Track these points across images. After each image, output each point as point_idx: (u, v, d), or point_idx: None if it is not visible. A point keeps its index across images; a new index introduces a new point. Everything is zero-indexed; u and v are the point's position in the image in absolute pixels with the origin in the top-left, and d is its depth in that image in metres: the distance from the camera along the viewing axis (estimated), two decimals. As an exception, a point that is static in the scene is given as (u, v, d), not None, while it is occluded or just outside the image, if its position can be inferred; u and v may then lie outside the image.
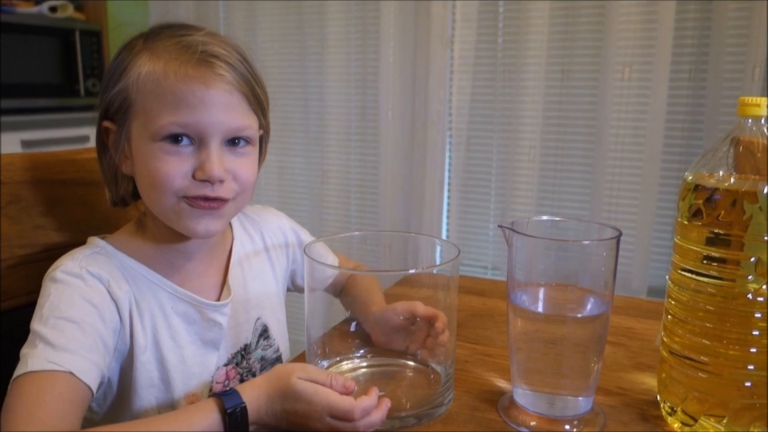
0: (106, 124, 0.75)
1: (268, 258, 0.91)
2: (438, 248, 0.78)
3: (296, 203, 2.32)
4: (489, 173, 2.02)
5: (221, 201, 0.73)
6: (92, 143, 0.80)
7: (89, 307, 0.69)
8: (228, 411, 0.61)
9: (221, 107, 0.71)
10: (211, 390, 0.80)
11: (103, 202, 0.81)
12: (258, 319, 0.86)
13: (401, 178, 2.11)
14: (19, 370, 0.63)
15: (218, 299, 0.82)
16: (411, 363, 0.76)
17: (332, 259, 0.94)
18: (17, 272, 0.84)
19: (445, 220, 2.11)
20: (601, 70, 1.78)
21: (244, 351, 0.85)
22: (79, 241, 0.78)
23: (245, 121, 0.74)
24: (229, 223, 0.87)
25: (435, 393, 0.71)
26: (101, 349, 0.68)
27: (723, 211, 0.60)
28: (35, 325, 0.67)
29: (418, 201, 2.08)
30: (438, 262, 0.78)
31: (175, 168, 0.70)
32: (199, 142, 0.71)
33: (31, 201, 0.86)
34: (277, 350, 0.89)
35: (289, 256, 0.94)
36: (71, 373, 0.63)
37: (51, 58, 2.36)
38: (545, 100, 1.88)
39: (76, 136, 2.34)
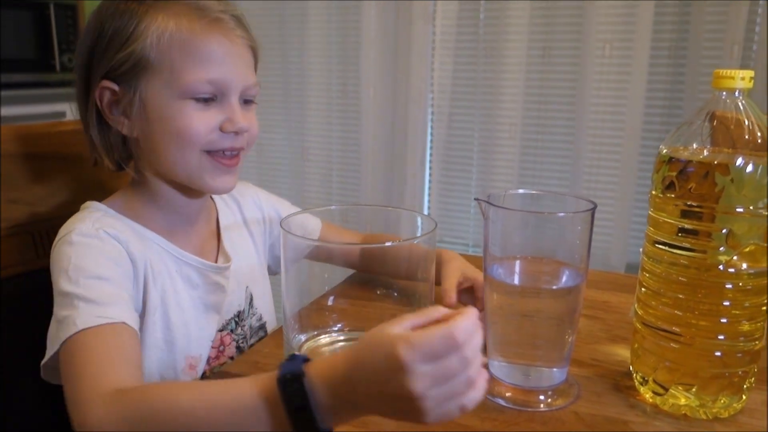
0: (106, 84, 0.74)
1: (248, 231, 0.92)
2: (416, 222, 0.78)
3: (277, 180, 2.31)
4: (471, 150, 2.01)
5: (238, 157, 0.78)
6: (69, 119, 0.79)
7: (113, 265, 0.71)
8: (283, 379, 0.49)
9: (241, 63, 0.76)
10: (209, 358, 0.82)
11: (81, 175, 0.81)
12: (247, 287, 0.88)
13: (383, 155, 2.10)
14: (68, 331, 0.62)
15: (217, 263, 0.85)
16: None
17: (314, 223, 0.96)
18: (-10, 247, 0.83)
19: (426, 197, 2.11)
20: (582, 47, 1.77)
21: (238, 318, 0.87)
22: (56, 216, 0.77)
23: (255, 79, 0.79)
24: None
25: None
26: (132, 303, 0.71)
27: (695, 184, 0.61)
28: (66, 286, 0.66)
29: (399, 178, 2.08)
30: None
31: (204, 123, 0.74)
32: (221, 97, 0.75)
33: (6, 175, 0.84)
34: (260, 318, 0.90)
35: (267, 230, 0.95)
36: (125, 323, 0.65)
37: (25, 33, 2.30)
38: (526, 77, 1.88)
39: (52, 112, 2.29)
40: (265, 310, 0.91)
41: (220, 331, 0.84)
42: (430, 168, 2.08)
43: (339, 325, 0.77)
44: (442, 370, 0.46)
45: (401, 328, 0.48)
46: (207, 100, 0.74)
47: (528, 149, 1.92)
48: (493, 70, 1.91)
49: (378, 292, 0.79)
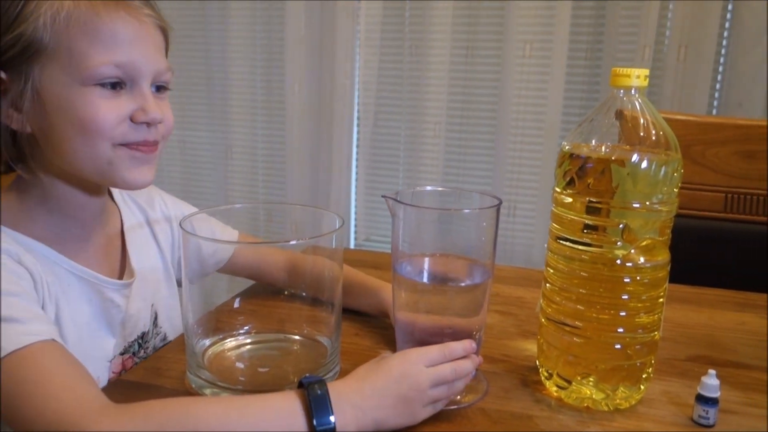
0: None
1: (154, 240, 0.84)
2: (324, 220, 0.76)
3: (200, 179, 2.24)
4: (397, 148, 2.02)
5: (156, 145, 0.71)
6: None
7: (16, 278, 0.63)
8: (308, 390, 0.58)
9: (151, 46, 0.69)
10: (109, 381, 0.74)
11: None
12: (152, 305, 0.81)
13: (308, 153, 2.08)
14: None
15: (120, 278, 0.76)
16: (297, 337, 0.75)
17: (230, 234, 0.88)
18: None
19: (353, 195, 2.10)
20: (504, 47, 1.80)
21: (142, 339, 0.79)
22: None
23: (167, 63, 0.72)
24: (109, 194, 0.81)
25: (321, 366, 0.70)
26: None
27: (593, 180, 0.62)
28: None
29: (325, 176, 2.06)
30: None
31: (113, 112, 0.66)
32: (131, 83, 0.68)
33: None
34: (165, 338, 0.83)
35: (175, 241, 0.87)
36: (53, 339, 0.59)
37: None
38: (450, 75, 1.89)
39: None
40: (170, 328, 0.84)
41: (122, 354, 0.76)
42: (357, 166, 2.07)
43: (246, 328, 0.75)
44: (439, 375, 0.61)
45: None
46: (114, 86, 0.66)
47: (452, 147, 1.94)
48: (418, 68, 1.91)
49: (286, 293, 0.77)
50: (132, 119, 0.67)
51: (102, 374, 0.74)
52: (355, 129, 2.04)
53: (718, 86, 1.71)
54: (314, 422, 0.55)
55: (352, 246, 2.13)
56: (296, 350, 0.74)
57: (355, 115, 2.03)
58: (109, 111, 0.66)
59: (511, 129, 1.84)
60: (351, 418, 0.57)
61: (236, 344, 0.73)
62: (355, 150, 2.06)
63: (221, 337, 0.72)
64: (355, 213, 2.11)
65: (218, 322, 0.73)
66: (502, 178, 1.87)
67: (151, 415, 0.54)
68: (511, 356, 0.77)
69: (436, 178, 1.95)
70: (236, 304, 0.76)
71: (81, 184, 0.71)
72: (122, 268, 0.78)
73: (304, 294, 0.74)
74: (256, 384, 0.69)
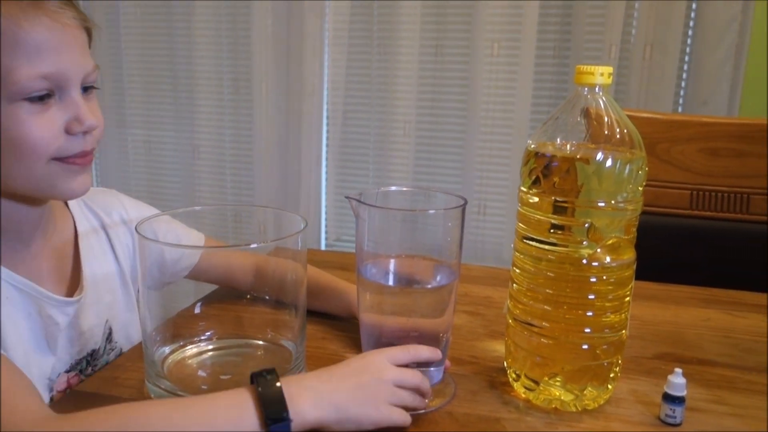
0: None
1: (107, 239, 0.80)
2: (290, 221, 0.74)
3: (166, 180, 2.20)
4: (367, 147, 2.00)
5: (91, 154, 0.67)
6: None
7: None
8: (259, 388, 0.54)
9: (77, 50, 0.65)
10: (52, 399, 0.70)
11: None
12: (107, 321, 0.77)
13: (277, 153, 2.05)
14: None
15: (70, 295, 0.72)
16: (260, 342, 0.73)
17: (195, 238, 0.85)
18: None
19: (323, 195, 2.08)
20: (472, 45, 1.80)
21: (91, 357, 0.75)
22: None
23: (93, 63, 0.68)
24: (65, 203, 0.78)
25: (285, 371, 0.68)
26: None
27: (558, 179, 0.61)
28: None
29: (294, 176, 2.03)
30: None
31: (46, 128, 0.62)
32: (60, 93, 0.64)
33: None
34: (120, 353, 0.79)
35: (134, 246, 0.82)
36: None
37: None
38: (419, 74, 1.88)
39: None
40: (128, 344, 0.80)
41: (68, 372, 0.73)
42: (327, 165, 2.05)
43: (208, 334, 0.72)
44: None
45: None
46: (43, 98, 0.62)
47: (422, 146, 1.94)
48: (386, 67, 1.90)
49: (249, 297, 0.75)
50: (67, 131, 0.64)
51: (44, 392, 0.70)
52: (324, 128, 2.02)
53: (683, 84, 1.73)
54: (264, 412, 0.52)
55: (323, 247, 2.11)
56: (260, 356, 0.72)
57: (324, 114, 2.01)
58: (42, 128, 0.62)
59: (480, 128, 1.84)
60: (307, 400, 0.54)
61: (197, 351, 0.71)
62: (324, 149, 2.04)
63: (181, 344, 0.70)
64: (326, 213, 2.09)
65: (178, 329, 0.71)
66: (471, 177, 1.87)
67: (92, 422, 0.51)
68: (479, 357, 0.76)
69: (407, 177, 1.94)
70: (197, 310, 0.73)
71: (17, 197, 0.68)
72: (74, 280, 0.74)
73: (267, 297, 0.72)
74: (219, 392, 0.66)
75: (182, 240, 0.82)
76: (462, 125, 1.88)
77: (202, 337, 0.72)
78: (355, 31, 1.93)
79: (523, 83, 1.78)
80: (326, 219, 2.09)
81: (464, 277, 1.05)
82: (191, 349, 0.70)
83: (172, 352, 0.69)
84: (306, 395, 0.54)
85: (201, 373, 0.70)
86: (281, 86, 2.00)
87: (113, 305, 0.78)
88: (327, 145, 2.03)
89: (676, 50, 1.66)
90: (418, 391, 0.61)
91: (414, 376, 0.61)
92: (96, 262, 0.77)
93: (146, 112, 2.16)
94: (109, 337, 0.78)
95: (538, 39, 1.76)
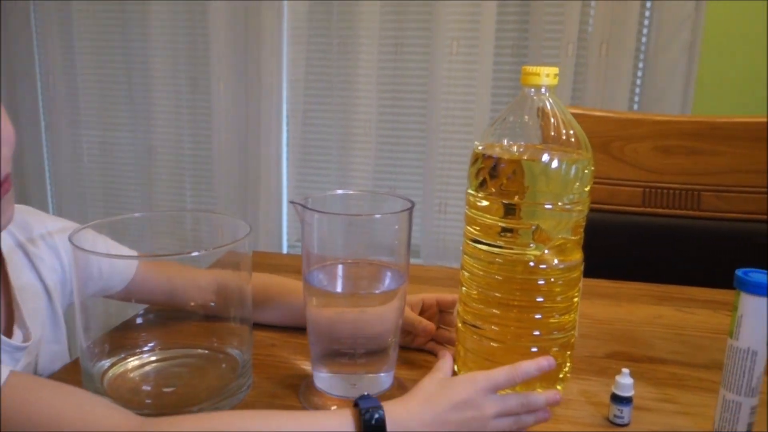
0: None
1: (28, 260, 0.71)
2: (239, 227, 0.72)
3: (123, 182, 2.15)
4: (329, 147, 1.98)
5: (8, 181, 0.58)
6: None
7: None
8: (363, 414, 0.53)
9: None
10: None
11: None
12: (37, 354, 0.71)
13: (237, 153, 2.01)
14: None
15: (8, 333, 0.67)
16: (206, 351, 0.71)
17: (126, 262, 0.75)
18: None
19: (285, 195, 2.05)
20: (431, 44, 1.79)
21: None
22: None
23: None
24: None
25: (232, 381, 0.66)
26: None
27: (505, 180, 0.60)
28: None
29: (254, 176, 2.00)
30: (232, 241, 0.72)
31: None
32: None
33: None
34: None
35: (67, 273, 0.74)
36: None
37: None
38: (379, 73, 1.87)
39: None
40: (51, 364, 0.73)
41: None
42: (288, 166, 2.02)
43: (151, 345, 0.70)
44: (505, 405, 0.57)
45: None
46: None
47: (383, 145, 1.93)
48: (346, 66, 1.88)
49: (192, 304, 0.72)
50: None
51: None
52: (285, 128, 1.99)
53: (638, 82, 1.75)
54: None
55: (284, 249, 2.09)
56: (205, 366, 0.70)
57: (284, 114, 1.98)
58: None
59: (440, 126, 1.84)
60: None
61: (139, 363, 0.68)
62: (285, 150, 2.01)
63: (122, 356, 0.67)
64: (287, 214, 2.06)
65: (119, 341, 0.68)
66: (432, 176, 1.87)
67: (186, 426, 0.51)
68: (433, 361, 0.75)
69: (368, 176, 1.93)
70: (139, 320, 0.71)
71: None
72: (9, 323, 0.68)
73: (212, 304, 0.70)
74: (163, 406, 0.64)
75: (113, 261, 0.73)
76: (422, 123, 1.87)
77: (145, 349, 0.69)
78: (314, 29, 1.90)
79: (482, 82, 1.78)
80: (287, 220, 2.07)
81: (421, 279, 1.05)
82: (133, 362, 0.68)
83: (112, 365, 0.66)
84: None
85: (145, 387, 0.67)
86: (239, 86, 1.96)
87: (40, 339, 0.71)
88: (287, 145, 2.01)
89: (631, 48, 1.68)
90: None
91: (516, 404, 0.58)
92: (29, 300, 0.70)
93: (101, 113, 2.10)
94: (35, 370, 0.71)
95: (496, 38, 1.76)
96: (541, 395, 0.59)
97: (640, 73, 1.74)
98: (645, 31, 1.72)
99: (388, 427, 0.53)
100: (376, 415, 0.53)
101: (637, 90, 1.76)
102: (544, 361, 0.59)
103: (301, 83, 1.94)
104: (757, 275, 0.56)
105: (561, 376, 0.66)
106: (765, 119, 1.14)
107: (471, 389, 0.56)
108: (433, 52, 1.80)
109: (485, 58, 1.76)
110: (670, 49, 1.66)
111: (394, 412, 0.54)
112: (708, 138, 1.16)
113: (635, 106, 1.76)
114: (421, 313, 0.78)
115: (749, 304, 0.55)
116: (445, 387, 0.58)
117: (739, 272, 0.56)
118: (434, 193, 1.87)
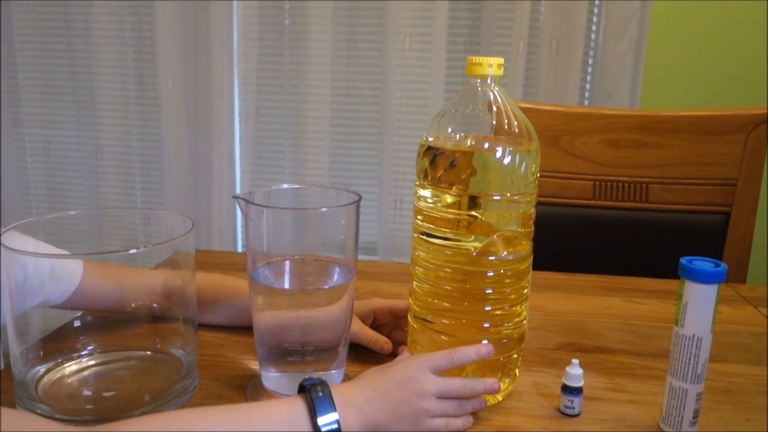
0: None
1: None
2: (182, 223, 0.69)
3: (68, 182, 2.07)
4: (282, 144, 1.95)
5: None
6: None
7: None
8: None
9: None
10: None
11: None
12: None
13: (187, 151, 1.97)
14: None
15: None
16: (148, 353, 0.68)
17: (72, 266, 0.70)
18: None
19: (238, 193, 2.01)
20: (384, 40, 1.79)
21: None
22: None
23: None
24: None
25: (176, 383, 0.64)
26: None
27: (449, 171, 0.60)
28: None
29: (206, 174, 1.96)
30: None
31: None
32: None
33: None
34: None
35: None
36: None
37: None
38: (332, 69, 1.85)
39: None
40: None
41: None
42: (240, 163, 1.99)
43: (90, 348, 0.67)
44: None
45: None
46: None
47: (337, 142, 1.91)
48: (299, 62, 1.86)
49: (133, 305, 0.70)
50: None
51: None
52: (237, 125, 1.96)
53: (588, 78, 1.78)
54: (318, 423, 0.52)
55: (239, 248, 2.05)
56: (148, 368, 0.68)
57: (236, 111, 1.94)
58: None
59: (394, 122, 1.83)
60: (354, 419, 0.55)
61: (77, 368, 0.65)
62: (238, 147, 1.97)
63: (59, 361, 0.64)
64: (241, 212, 2.02)
65: (55, 346, 0.65)
66: (387, 171, 1.86)
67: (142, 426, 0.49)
68: (385, 359, 0.74)
69: (323, 173, 1.91)
70: (77, 323, 0.68)
71: None
72: None
73: (154, 305, 0.67)
74: (103, 411, 0.62)
75: (55, 270, 0.69)
76: (376, 119, 1.86)
77: (83, 352, 0.66)
78: (265, 24, 1.87)
79: (435, 77, 1.78)
80: (242, 219, 2.03)
81: (374, 275, 1.04)
82: (70, 367, 0.65)
83: (48, 371, 0.63)
84: (353, 414, 0.55)
85: (86, 392, 0.64)
86: (189, 83, 1.92)
87: None
88: (240, 143, 1.97)
89: (580, 44, 1.70)
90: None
91: (457, 386, 0.59)
92: None
93: (44, 111, 2.02)
94: None
95: (448, 33, 1.76)
96: (479, 381, 0.60)
97: (590, 69, 1.77)
98: (594, 28, 1.75)
99: (335, 398, 0.54)
100: (322, 390, 0.54)
101: (588, 86, 1.78)
102: (484, 348, 0.60)
103: (253, 80, 1.91)
104: (700, 263, 0.57)
105: (512, 369, 0.66)
106: (710, 113, 1.17)
107: (412, 367, 0.58)
108: (385, 48, 1.79)
109: (438, 54, 1.76)
110: (618, 45, 1.69)
111: (338, 390, 0.56)
112: (655, 131, 1.18)
113: (586, 102, 1.79)
114: (375, 323, 0.77)
115: (693, 291, 0.56)
116: (388, 367, 0.59)
117: (683, 260, 0.57)
118: (390, 190, 1.86)
